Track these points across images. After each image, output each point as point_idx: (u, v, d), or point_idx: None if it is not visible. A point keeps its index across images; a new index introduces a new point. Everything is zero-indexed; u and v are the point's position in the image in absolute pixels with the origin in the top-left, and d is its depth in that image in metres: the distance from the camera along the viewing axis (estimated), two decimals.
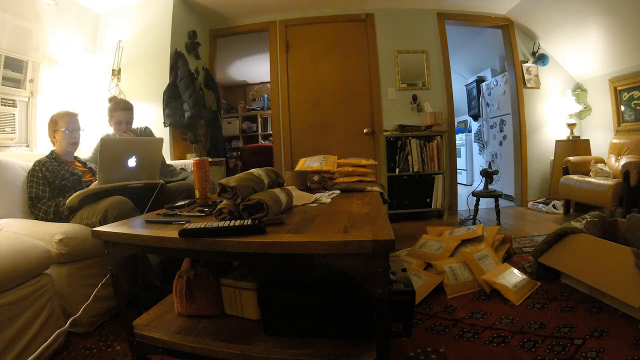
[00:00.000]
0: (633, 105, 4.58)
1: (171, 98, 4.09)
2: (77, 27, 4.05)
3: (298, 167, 2.71)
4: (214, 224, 1.21)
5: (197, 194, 1.95)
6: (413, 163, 4.68)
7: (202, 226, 1.19)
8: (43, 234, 1.94)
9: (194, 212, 1.65)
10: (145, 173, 2.43)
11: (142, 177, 2.40)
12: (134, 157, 2.32)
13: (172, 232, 1.26)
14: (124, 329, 1.51)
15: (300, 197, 1.91)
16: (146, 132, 3.26)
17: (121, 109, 2.90)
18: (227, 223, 1.21)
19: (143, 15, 4.34)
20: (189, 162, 3.72)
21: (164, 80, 4.18)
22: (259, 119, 8.41)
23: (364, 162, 2.58)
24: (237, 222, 1.21)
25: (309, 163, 2.67)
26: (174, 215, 1.61)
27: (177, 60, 4.23)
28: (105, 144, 2.19)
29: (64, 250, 1.90)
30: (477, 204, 4.44)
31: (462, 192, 5.74)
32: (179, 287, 1.60)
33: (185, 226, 1.22)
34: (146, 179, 2.43)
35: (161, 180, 2.51)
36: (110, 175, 2.24)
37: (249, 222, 1.22)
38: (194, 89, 4.19)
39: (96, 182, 2.31)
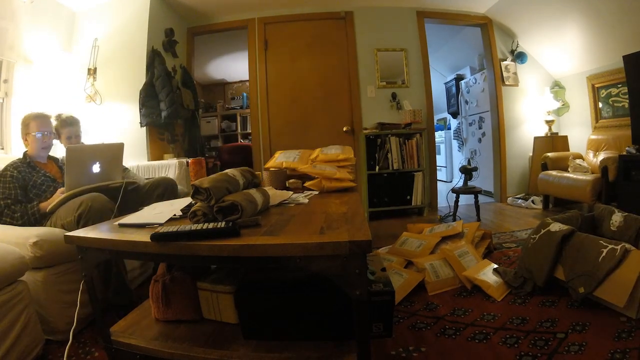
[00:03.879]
0: (611, 102, 4.65)
1: (148, 97, 4.02)
2: (53, 26, 3.95)
3: (272, 161, 2.66)
4: (187, 227, 1.18)
5: None
6: (393, 161, 4.68)
7: (174, 229, 1.16)
8: (17, 238, 1.87)
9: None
10: (109, 178, 2.45)
11: (108, 179, 2.43)
12: (97, 163, 2.36)
13: (144, 236, 1.22)
14: (101, 336, 1.47)
15: (277, 195, 1.89)
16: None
17: (68, 125, 2.79)
18: (200, 226, 1.18)
19: (119, 12, 4.26)
20: (165, 162, 3.68)
21: (141, 79, 4.11)
22: (238, 118, 8.30)
23: (341, 156, 2.51)
24: (211, 225, 1.19)
25: (283, 158, 2.63)
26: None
27: (153, 59, 4.16)
28: (71, 153, 2.18)
29: (38, 253, 1.82)
30: (456, 201, 4.47)
31: (442, 189, 5.75)
32: (155, 292, 1.57)
33: (157, 229, 1.18)
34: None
35: (133, 180, 2.52)
36: (77, 183, 2.23)
37: (223, 224, 1.19)
38: (171, 88, 4.12)
39: (63, 188, 2.27)
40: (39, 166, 2.49)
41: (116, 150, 2.60)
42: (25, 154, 2.50)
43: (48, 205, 2.22)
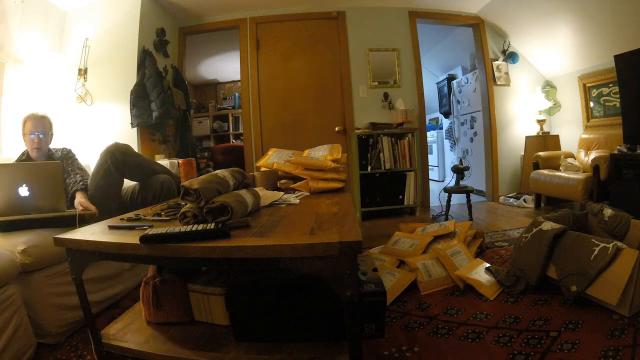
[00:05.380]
0: (602, 102, 4.68)
1: (138, 98, 3.99)
2: (44, 25, 3.90)
3: (264, 159, 2.64)
4: (177, 228, 1.16)
5: None
6: (385, 160, 4.68)
7: (163, 231, 1.14)
8: (4, 246, 1.83)
9: (158, 217, 1.59)
10: (43, 204, 2.14)
11: (42, 206, 2.13)
12: (24, 185, 2.07)
13: (134, 238, 1.21)
14: (92, 339, 1.45)
15: (268, 196, 1.88)
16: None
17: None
18: (189, 227, 1.17)
19: (110, 12, 4.22)
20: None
21: (132, 79, 4.08)
22: (230, 118, 8.26)
23: (329, 157, 2.46)
24: (200, 226, 1.17)
25: (275, 158, 2.61)
26: (138, 219, 1.56)
27: (144, 59, 4.13)
28: None
29: (28, 260, 1.80)
30: (449, 200, 4.48)
31: (434, 189, 5.78)
32: (145, 294, 1.56)
33: (147, 231, 1.17)
34: (48, 208, 2.14)
35: (75, 211, 2.20)
36: (3, 208, 2.03)
37: (212, 225, 1.18)
38: (162, 88, 4.09)
39: None
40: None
41: (51, 171, 2.22)
42: (24, 152, 2.66)
43: None
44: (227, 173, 1.55)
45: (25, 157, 2.64)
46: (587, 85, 4.85)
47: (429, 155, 6.50)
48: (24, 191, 2.06)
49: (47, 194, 2.16)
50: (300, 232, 1.19)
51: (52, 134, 2.76)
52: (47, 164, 2.33)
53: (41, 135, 2.63)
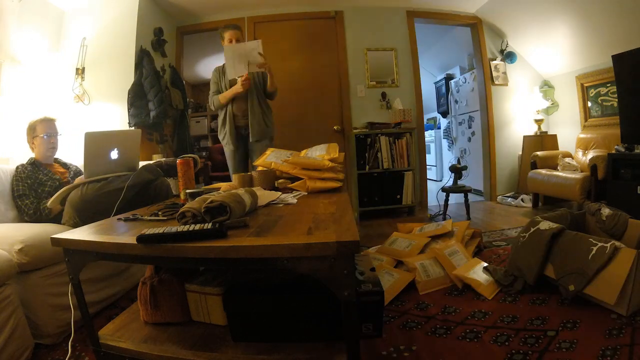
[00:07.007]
0: (600, 101, 4.69)
1: (136, 97, 3.98)
2: (41, 25, 3.88)
3: (262, 158, 2.63)
4: (174, 228, 1.16)
5: (183, 195, 1.91)
6: (383, 160, 4.68)
7: (160, 231, 1.14)
8: (2, 244, 1.83)
9: (155, 216, 1.59)
10: (126, 165, 2.46)
11: (124, 169, 2.42)
12: (115, 149, 2.37)
13: (131, 238, 1.21)
14: (90, 339, 1.45)
15: (265, 196, 1.87)
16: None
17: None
18: (187, 227, 1.17)
19: (108, 11, 4.20)
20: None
21: (129, 78, 4.06)
22: None
23: (326, 157, 2.42)
24: (197, 226, 1.17)
25: (273, 158, 2.60)
26: (135, 219, 1.55)
27: (142, 58, 4.12)
28: (89, 138, 2.18)
29: (24, 259, 1.79)
30: (446, 200, 4.48)
31: (432, 188, 5.78)
32: (143, 294, 1.56)
33: (143, 231, 1.16)
34: (126, 170, 2.43)
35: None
36: (96, 169, 2.27)
37: (210, 225, 1.17)
38: (160, 88, 4.08)
39: (82, 177, 2.40)
40: (43, 166, 2.67)
41: (133, 137, 2.65)
42: (31, 158, 2.67)
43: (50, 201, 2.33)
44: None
45: (33, 161, 2.65)
46: (585, 85, 4.85)
47: (427, 155, 6.50)
48: (114, 154, 2.37)
49: (128, 156, 2.50)
50: (298, 232, 1.19)
51: None
52: (131, 132, 2.77)
53: (55, 136, 2.76)
